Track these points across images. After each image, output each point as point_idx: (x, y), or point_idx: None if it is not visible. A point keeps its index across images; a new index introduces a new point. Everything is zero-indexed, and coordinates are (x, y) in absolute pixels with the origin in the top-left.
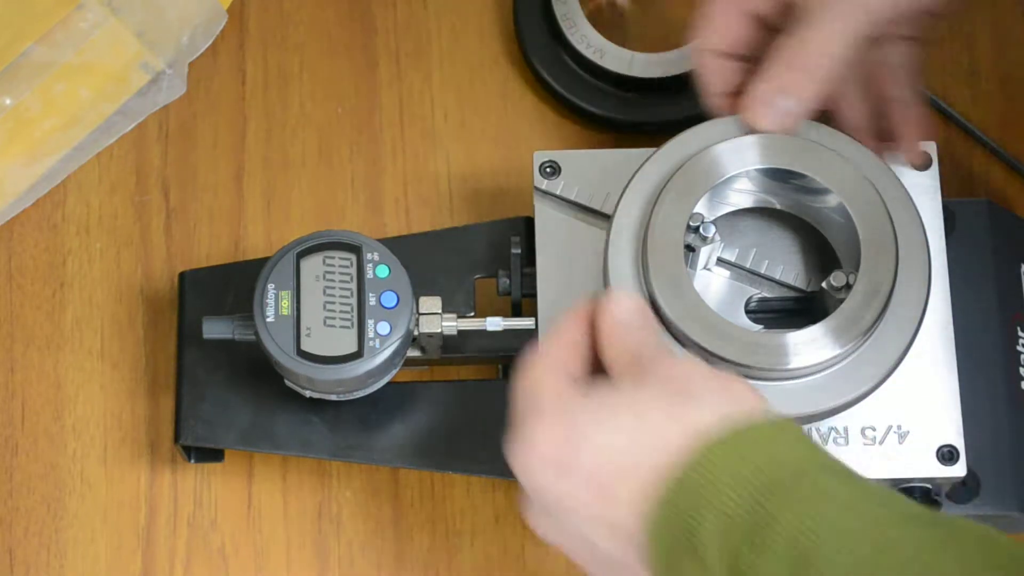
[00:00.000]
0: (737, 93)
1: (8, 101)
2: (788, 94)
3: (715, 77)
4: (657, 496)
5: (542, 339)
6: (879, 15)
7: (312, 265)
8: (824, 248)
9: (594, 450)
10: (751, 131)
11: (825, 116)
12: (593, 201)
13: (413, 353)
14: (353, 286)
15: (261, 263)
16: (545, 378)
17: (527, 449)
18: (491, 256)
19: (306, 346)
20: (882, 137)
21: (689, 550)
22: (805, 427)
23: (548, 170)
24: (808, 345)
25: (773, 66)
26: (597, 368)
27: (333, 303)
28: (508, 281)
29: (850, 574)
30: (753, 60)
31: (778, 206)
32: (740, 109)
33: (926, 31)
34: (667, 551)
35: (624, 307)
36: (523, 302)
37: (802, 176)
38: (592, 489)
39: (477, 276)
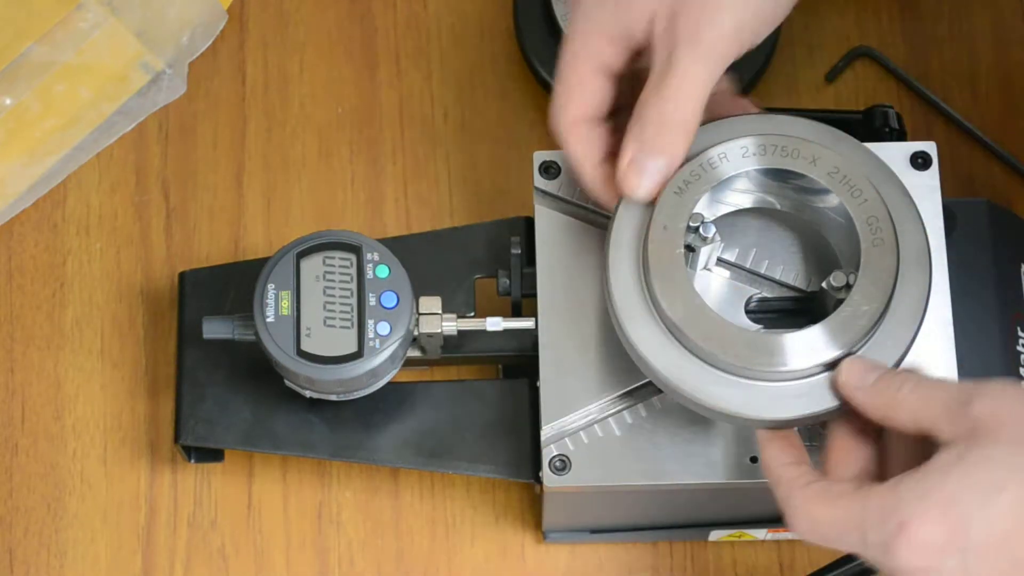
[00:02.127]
0: (611, 156)
1: (8, 101)
2: (660, 154)
3: (584, 147)
4: None
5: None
6: (728, 57)
7: (312, 265)
8: (824, 248)
9: (986, 525)
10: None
11: None
12: (593, 201)
13: (413, 353)
14: (353, 286)
15: (261, 263)
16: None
17: (900, 540)
18: (491, 256)
19: (306, 346)
20: None
21: None
22: (806, 428)
23: (548, 170)
24: (808, 345)
25: (640, 126)
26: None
27: (333, 303)
28: (508, 281)
29: None
30: (618, 113)
31: (778, 206)
32: (616, 182)
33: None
34: None
35: (866, 371)
36: (523, 302)
37: (802, 176)
38: (999, 561)
39: (477, 276)
